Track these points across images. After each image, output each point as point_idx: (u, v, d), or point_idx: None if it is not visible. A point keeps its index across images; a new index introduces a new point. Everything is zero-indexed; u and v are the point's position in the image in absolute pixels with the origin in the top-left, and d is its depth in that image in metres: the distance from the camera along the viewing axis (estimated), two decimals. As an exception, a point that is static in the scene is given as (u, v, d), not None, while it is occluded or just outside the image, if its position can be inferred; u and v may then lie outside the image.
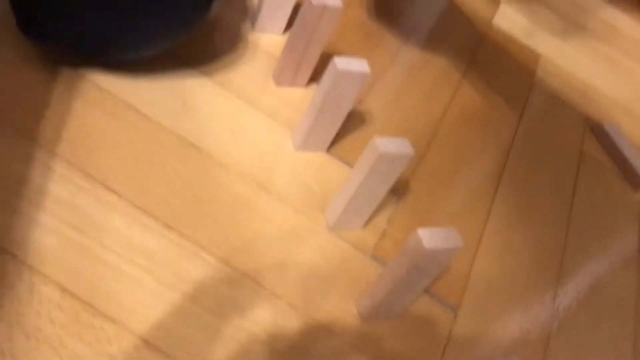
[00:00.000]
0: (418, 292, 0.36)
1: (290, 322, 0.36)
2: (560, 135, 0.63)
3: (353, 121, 0.49)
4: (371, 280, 0.40)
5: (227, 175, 0.41)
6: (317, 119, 0.42)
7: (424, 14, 0.66)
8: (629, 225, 0.59)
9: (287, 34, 0.53)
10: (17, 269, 0.31)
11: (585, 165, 0.61)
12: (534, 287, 0.47)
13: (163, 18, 0.39)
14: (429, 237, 0.32)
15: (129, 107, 0.41)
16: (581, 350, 0.45)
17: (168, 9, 0.38)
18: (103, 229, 0.34)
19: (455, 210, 0.49)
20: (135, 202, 0.37)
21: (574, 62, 0.74)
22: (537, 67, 0.70)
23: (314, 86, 0.50)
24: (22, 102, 0.38)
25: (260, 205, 0.40)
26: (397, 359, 0.37)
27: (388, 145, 0.36)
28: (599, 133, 0.66)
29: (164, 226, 0.36)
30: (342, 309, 0.38)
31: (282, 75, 0.48)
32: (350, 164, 0.46)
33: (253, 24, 0.52)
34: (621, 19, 0.89)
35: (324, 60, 0.47)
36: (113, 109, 0.40)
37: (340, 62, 0.39)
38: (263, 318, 0.35)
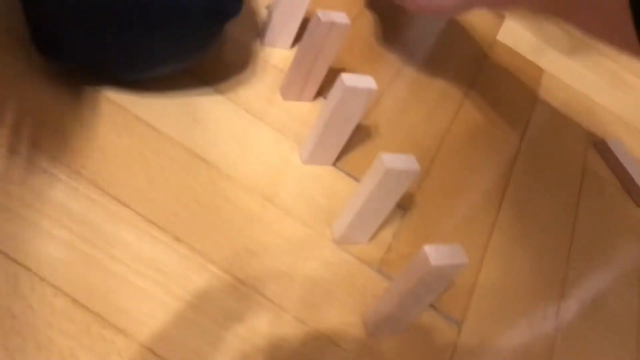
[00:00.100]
0: (424, 307, 0.36)
1: (296, 335, 0.36)
2: (563, 151, 0.64)
3: (359, 135, 0.50)
4: (377, 293, 0.41)
5: (234, 188, 0.41)
6: (324, 134, 0.43)
7: (428, 29, 0.67)
8: (632, 240, 0.59)
9: (295, 49, 0.53)
10: (30, 280, 0.32)
11: (588, 180, 0.62)
12: (538, 302, 0.48)
13: (177, 41, 0.39)
14: (435, 254, 0.32)
15: (140, 121, 0.42)
16: (584, 365, 0.45)
17: (183, 32, 0.39)
18: (113, 241, 0.35)
19: (459, 225, 0.49)
20: (145, 214, 0.37)
21: (578, 78, 0.75)
22: (540, 83, 0.70)
23: (320, 100, 0.51)
24: (35, 115, 0.38)
25: (267, 218, 0.41)
26: (401, 373, 0.38)
27: (395, 161, 0.37)
28: (602, 149, 0.66)
29: (174, 239, 0.37)
30: (347, 322, 0.38)
31: (290, 90, 0.49)
32: (356, 178, 0.47)
33: (261, 38, 0.52)
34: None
35: (331, 75, 0.48)
36: (124, 122, 0.41)
37: (348, 79, 0.40)
38: (268, 330, 0.36)
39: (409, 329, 0.40)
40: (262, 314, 0.36)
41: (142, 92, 0.43)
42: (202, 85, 0.46)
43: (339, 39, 0.45)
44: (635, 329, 0.50)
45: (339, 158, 0.47)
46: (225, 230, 0.39)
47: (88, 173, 0.37)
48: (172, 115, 0.43)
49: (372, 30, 0.61)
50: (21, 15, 0.39)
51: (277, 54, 0.52)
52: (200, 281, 0.36)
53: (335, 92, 0.40)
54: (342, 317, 0.38)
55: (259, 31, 0.53)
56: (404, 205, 0.47)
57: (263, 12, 0.55)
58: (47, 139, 0.38)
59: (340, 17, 0.43)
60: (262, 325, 0.36)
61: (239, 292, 0.36)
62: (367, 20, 0.62)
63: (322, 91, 0.50)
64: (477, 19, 0.72)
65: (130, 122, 0.41)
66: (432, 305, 0.42)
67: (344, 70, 0.54)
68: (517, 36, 0.74)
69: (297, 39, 0.53)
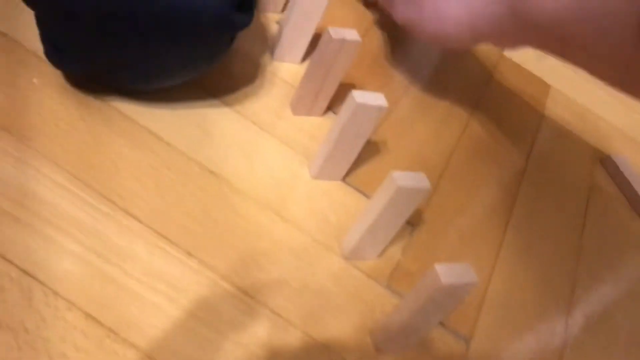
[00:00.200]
0: (433, 324, 0.36)
1: (306, 351, 0.36)
2: (570, 167, 0.64)
3: (368, 151, 0.50)
4: (385, 309, 0.41)
5: (244, 203, 0.42)
6: (334, 149, 0.43)
7: (435, 47, 0.67)
8: (639, 256, 0.59)
9: (306, 64, 0.54)
10: (43, 294, 0.32)
11: (594, 196, 0.62)
12: (546, 317, 0.48)
13: (188, 51, 0.40)
14: (446, 273, 0.32)
15: (150, 134, 0.42)
16: (591, 383, 0.45)
17: (193, 42, 0.39)
18: (125, 255, 0.35)
19: (467, 241, 0.49)
20: (157, 228, 0.37)
21: (585, 94, 0.75)
22: (547, 99, 0.71)
23: (330, 115, 0.51)
24: (46, 127, 0.39)
25: (276, 232, 0.41)
26: (410, 390, 0.38)
27: (406, 179, 0.37)
28: (608, 165, 0.66)
29: (185, 253, 0.37)
30: (354, 337, 0.38)
31: (300, 105, 0.49)
32: (365, 194, 0.47)
33: (272, 53, 0.53)
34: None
35: (340, 90, 0.48)
36: (135, 135, 0.41)
37: (359, 96, 0.40)
38: (279, 346, 0.36)
39: (417, 345, 0.40)
40: (273, 331, 0.36)
41: (153, 105, 0.44)
42: (211, 98, 0.47)
43: (350, 56, 0.45)
44: (642, 347, 0.50)
45: (348, 173, 0.47)
46: (235, 245, 0.39)
47: (99, 186, 0.38)
48: (182, 128, 0.43)
49: (380, 47, 0.62)
50: (34, 27, 0.39)
51: (286, 69, 0.53)
52: (210, 296, 0.36)
53: (346, 109, 0.41)
54: (349, 332, 0.39)
55: (269, 45, 0.54)
56: (413, 221, 0.48)
57: (273, 27, 0.55)
58: (58, 152, 0.38)
59: (352, 34, 0.44)
60: (271, 340, 0.36)
61: (249, 306, 0.37)
62: (376, 36, 0.63)
63: (331, 106, 0.51)
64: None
65: (141, 135, 0.41)
66: (440, 322, 0.42)
67: (353, 85, 0.55)
68: (523, 52, 0.74)
69: (307, 54, 0.53)
